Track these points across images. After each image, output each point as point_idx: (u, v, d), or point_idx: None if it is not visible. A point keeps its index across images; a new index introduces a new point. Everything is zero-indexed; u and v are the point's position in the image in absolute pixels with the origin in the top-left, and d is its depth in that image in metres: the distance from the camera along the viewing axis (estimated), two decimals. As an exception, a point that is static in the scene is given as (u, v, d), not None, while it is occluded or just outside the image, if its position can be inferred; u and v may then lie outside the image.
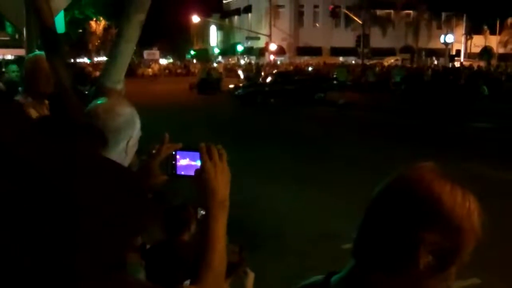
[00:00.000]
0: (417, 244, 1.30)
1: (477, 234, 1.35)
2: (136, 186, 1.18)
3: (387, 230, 1.34)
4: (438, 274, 1.34)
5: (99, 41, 72.62)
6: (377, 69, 49.41)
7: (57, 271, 0.95)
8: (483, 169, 12.77)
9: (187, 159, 1.87)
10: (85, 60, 75.06)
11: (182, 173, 1.89)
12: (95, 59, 73.64)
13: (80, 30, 65.39)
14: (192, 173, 1.79)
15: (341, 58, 68.47)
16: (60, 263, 0.96)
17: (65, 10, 6.91)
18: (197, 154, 1.79)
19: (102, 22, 68.88)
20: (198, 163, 1.79)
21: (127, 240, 1.16)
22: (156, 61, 77.89)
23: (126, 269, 3.07)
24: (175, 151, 1.92)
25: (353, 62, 62.17)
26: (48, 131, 1.37)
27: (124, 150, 2.28)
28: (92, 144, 1.44)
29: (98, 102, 2.32)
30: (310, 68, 54.19)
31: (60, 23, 7.43)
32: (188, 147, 1.90)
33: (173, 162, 1.90)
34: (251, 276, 3.99)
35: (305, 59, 68.76)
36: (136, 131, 2.33)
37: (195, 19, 68.87)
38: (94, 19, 66.19)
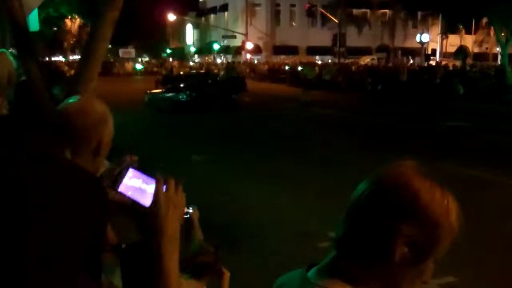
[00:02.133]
0: (393, 235, 1.35)
1: (454, 232, 1.40)
2: (93, 186, 1.16)
3: (367, 222, 1.39)
4: (412, 267, 1.39)
5: (74, 39, 72.03)
6: (353, 68, 49.66)
7: (6, 266, 0.95)
8: (457, 167, 12.88)
9: (140, 181, 1.61)
10: (60, 58, 74.48)
11: (126, 193, 1.61)
12: (70, 57, 73.14)
13: (55, 28, 64.78)
14: (136, 198, 1.59)
15: (317, 57, 68.64)
16: (8, 259, 0.95)
17: (39, 8, 6.81)
18: (152, 180, 1.59)
19: (77, 20, 68.32)
20: (149, 189, 1.59)
21: (84, 238, 1.13)
22: (131, 59, 77.63)
23: (100, 270, 3.03)
24: (129, 167, 1.65)
25: (329, 61, 62.38)
26: (9, 129, 1.35)
27: (96, 149, 2.24)
28: (56, 143, 1.41)
29: (70, 101, 2.28)
30: (286, 67, 54.29)
31: (34, 21, 7.34)
32: (145, 171, 1.66)
33: (121, 177, 1.62)
34: (226, 275, 3.98)
35: (282, 58, 68.84)
36: (108, 131, 2.29)
37: (171, 17, 68.65)
38: (69, 17, 65.61)
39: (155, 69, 72.21)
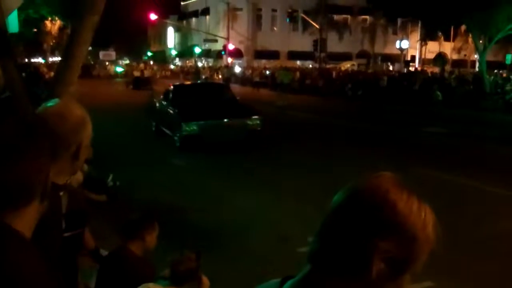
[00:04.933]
0: (370, 251, 1.30)
1: (432, 245, 1.36)
2: None
3: (343, 237, 1.34)
4: (389, 282, 1.34)
5: (54, 41, 71.54)
6: (334, 73, 49.91)
7: None
8: (435, 173, 12.98)
9: None
10: (40, 60, 74.00)
11: None
12: (50, 59, 72.68)
13: (35, 30, 64.26)
14: None
15: (298, 62, 68.81)
16: None
17: (19, 9, 6.79)
18: None
19: (58, 22, 67.82)
20: None
21: None
22: (112, 62, 77.48)
23: (77, 273, 3.03)
24: None
25: (310, 66, 62.58)
26: None
27: (75, 153, 2.23)
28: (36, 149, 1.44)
29: (48, 104, 2.27)
30: (267, 72, 54.44)
31: (13, 23, 7.30)
32: None
33: None
34: (205, 283, 3.97)
35: (263, 62, 68.93)
36: (87, 134, 2.28)
37: (152, 19, 68.45)
38: (50, 18, 65.12)
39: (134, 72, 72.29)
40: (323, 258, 1.38)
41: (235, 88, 47.03)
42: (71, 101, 2.46)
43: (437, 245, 1.37)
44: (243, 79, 55.38)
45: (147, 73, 52.34)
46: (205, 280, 3.98)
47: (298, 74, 49.19)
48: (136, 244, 4.09)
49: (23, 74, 6.93)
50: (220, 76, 51.66)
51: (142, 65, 71.69)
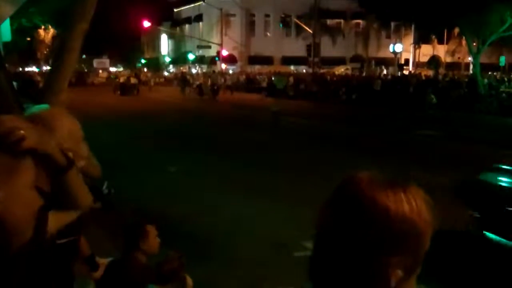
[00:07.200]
0: (384, 268, 1.26)
1: (431, 226, 1.32)
2: None
3: (345, 254, 1.28)
4: (407, 280, 1.33)
5: (47, 49, 71.43)
6: (328, 78, 49.97)
7: None
8: (430, 176, 12.97)
9: None
10: (34, 68, 73.92)
11: None
12: (44, 67, 72.59)
13: (28, 39, 64.21)
14: None
15: (292, 67, 68.84)
16: None
17: (12, 18, 6.78)
18: None
19: (51, 30, 67.77)
20: None
21: None
22: (106, 69, 77.51)
23: (73, 280, 3.02)
24: None
25: (304, 71, 62.63)
26: None
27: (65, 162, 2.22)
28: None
29: (36, 110, 2.26)
30: (259, 77, 54.61)
31: (6, 31, 7.30)
32: None
33: None
34: (189, 283, 4.01)
35: (257, 68, 68.99)
36: (77, 142, 2.27)
37: (146, 26, 68.50)
38: (43, 27, 65.10)
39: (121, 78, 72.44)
40: (326, 276, 1.32)
41: (228, 94, 47.26)
42: (60, 109, 2.46)
43: (436, 223, 1.32)
44: (237, 85, 55.50)
45: (133, 80, 53.69)
46: (189, 280, 4.03)
47: (292, 79, 49.22)
48: (138, 252, 4.12)
49: (15, 84, 6.93)
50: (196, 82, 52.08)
51: (124, 72, 72.11)
